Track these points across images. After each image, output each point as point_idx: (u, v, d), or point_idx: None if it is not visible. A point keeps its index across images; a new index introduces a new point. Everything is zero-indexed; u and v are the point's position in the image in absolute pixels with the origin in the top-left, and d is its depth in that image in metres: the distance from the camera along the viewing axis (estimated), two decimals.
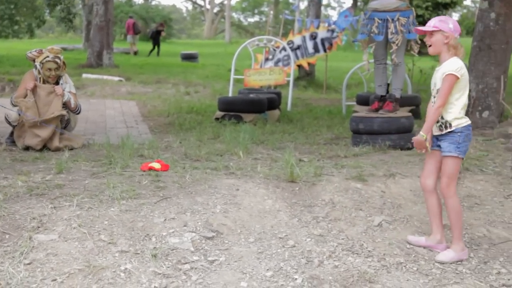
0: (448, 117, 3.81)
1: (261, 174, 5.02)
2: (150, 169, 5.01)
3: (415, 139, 3.92)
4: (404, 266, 3.71)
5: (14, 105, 6.28)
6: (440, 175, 3.91)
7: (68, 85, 6.48)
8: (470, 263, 3.83)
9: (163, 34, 28.47)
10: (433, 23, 3.84)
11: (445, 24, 3.80)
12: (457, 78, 3.75)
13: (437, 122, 3.85)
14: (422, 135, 3.84)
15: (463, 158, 3.90)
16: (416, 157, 5.97)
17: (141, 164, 5.17)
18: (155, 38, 27.09)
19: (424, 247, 4.00)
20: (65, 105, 6.34)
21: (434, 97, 3.87)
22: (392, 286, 3.46)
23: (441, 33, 3.80)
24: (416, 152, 6.12)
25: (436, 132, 3.88)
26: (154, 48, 26.95)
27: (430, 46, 3.86)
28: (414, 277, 3.57)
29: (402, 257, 3.83)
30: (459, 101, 3.81)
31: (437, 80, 3.86)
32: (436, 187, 3.99)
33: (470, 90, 7.80)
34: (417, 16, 7.57)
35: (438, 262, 3.81)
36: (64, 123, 6.36)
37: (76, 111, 6.55)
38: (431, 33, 3.83)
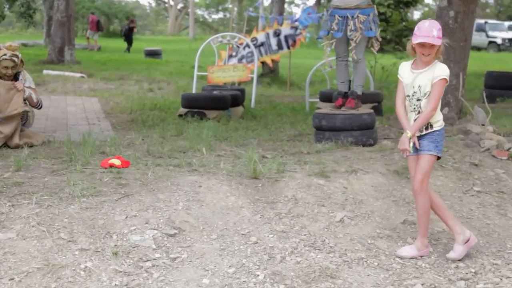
0: (431, 119, 3.89)
1: (224, 171, 5.01)
2: (111, 165, 4.95)
3: (401, 140, 3.91)
4: (365, 261, 3.76)
5: None
6: (416, 172, 3.94)
7: (28, 81, 6.36)
8: (429, 258, 3.89)
9: (135, 30, 28.46)
10: (435, 33, 3.77)
11: (431, 32, 3.77)
12: (447, 82, 3.85)
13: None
14: (407, 133, 3.85)
15: (439, 157, 3.96)
16: (377, 153, 6.04)
17: (101, 161, 5.11)
18: (128, 35, 27.14)
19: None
20: (27, 101, 6.23)
21: (419, 100, 3.87)
22: (353, 281, 3.49)
23: (436, 47, 3.81)
24: (378, 148, 6.21)
25: (417, 133, 3.90)
26: (130, 44, 26.98)
27: (429, 55, 3.82)
28: (375, 272, 3.61)
29: (363, 252, 3.87)
30: (439, 103, 3.89)
31: (422, 82, 3.85)
32: (428, 188, 3.98)
33: None
34: (379, 14, 7.65)
35: (399, 257, 3.86)
36: (23, 120, 6.24)
37: (38, 106, 6.45)
38: (433, 45, 3.78)
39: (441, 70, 3.83)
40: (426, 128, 3.89)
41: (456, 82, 7.87)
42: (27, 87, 6.29)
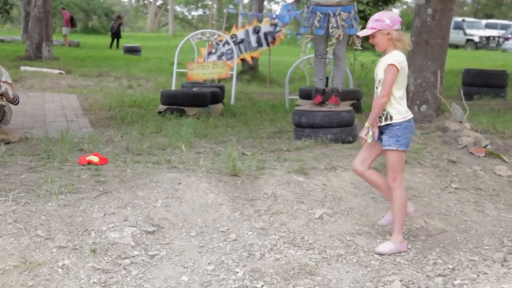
0: (389, 109, 3.91)
1: (204, 168, 5.00)
2: (88, 162, 4.91)
3: (362, 132, 3.99)
4: (344, 258, 3.77)
5: None
6: (386, 170, 4.00)
7: (4, 76, 6.29)
8: (408, 254, 3.92)
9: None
10: (370, 24, 3.91)
11: (381, 22, 3.88)
12: (398, 69, 3.83)
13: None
14: (366, 126, 3.94)
15: (405, 151, 3.97)
16: (356, 151, 6.04)
17: (79, 158, 5.07)
18: (117, 32, 27.31)
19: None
20: (3, 96, 6.16)
21: (377, 87, 3.96)
22: (332, 278, 3.51)
23: (380, 32, 3.87)
24: (357, 145, 6.24)
25: (377, 122, 3.97)
26: (118, 41, 27.15)
27: (376, 44, 3.94)
28: (353, 269, 3.63)
29: (342, 249, 3.89)
30: (397, 93, 3.90)
31: (378, 71, 3.95)
32: (367, 168, 4.10)
33: (408, 85, 7.99)
34: (359, 11, 7.66)
35: (377, 254, 3.88)
36: (0, 116, 6.17)
37: (15, 101, 6.38)
38: (372, 34, 3.91)
39: (391, 57, 3.87)
40: (386, 119, 3.92)
41: (434, 79, 7.93)
42: (3, 82, 6.21)
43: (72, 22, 26.93)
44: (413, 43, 8.00)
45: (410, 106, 7.87)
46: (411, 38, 8.10)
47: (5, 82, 6.27)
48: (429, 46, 7.89)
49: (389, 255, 3.88)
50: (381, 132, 3.99)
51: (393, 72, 3.83)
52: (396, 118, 3.90)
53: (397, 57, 3.86)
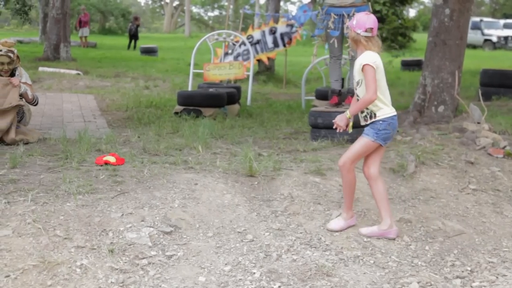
0: (372, 107, 4.02)
1: (220, 168, 5.01)
2: (105, 163, 4.94)
3: (339, 116, 4.10)
4: (361, 259, 3.76)
5: None
6: (348, 149, 4.16)
7: (24, 77, 6.36)
8: (425, 256, 3.90)
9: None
10: (354, 23, 4.09)
11: (352, 22, 4.10)
12: (374, 68, 3.94)
13: (362, 112, 4.07)
14: (347, 114, 4.06)
15: (381, 145, 4.07)
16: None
17: (96, 158, 5.10)
18: (135, 33, 27.64)
19: (378, 237, 4.09)
20: (22, 97, 6.23)
21: (356, 89, 4.11)
22: (349, 279, 3.50)
23: (351, 30, 4.09)
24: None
25: (362, 123, 4.12)
26: (135, 42, 27.45)
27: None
28: (371, 270, 3.62)
29: (359, 250, 3.87)
30: (378, 91, 3.99)
31: (355, 73, 4.09)
32: (379, 173, 4.16)
33: (426, 85, 7.96)
34: (375, 11, 7.63)
35: (330, 231, 4.08)
36: (19, 117, 6.23)
37: (34, 102, 6.45)
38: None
39: (362, 59, 4.00)
40: (370, 117, 4.05)
41: (451, 80, 7.88)
42: (23, 83, 6.28)
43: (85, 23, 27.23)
44: (430, 44, 7.98)
45: (427, 107, 7.87)
46: (429, 38, 8.05)
47: (25, 83, 6.33)
48: (447, 46, 7.83)
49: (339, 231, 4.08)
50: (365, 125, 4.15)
51: (371, 70, 3.93)
52: (379, 115, 4.03)
53: (370, 57, 3.98)
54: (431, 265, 3.79)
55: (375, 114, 4.02)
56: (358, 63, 4.02)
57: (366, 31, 4.02)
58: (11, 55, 6.17)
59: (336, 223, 4.11)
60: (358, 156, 4.10)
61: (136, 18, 28.84)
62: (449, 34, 7.82)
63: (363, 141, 4.05)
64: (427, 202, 4.89)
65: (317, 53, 7.59)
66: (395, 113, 4.10)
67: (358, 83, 4.06)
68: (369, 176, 4.15)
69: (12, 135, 5.96)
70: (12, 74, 6.27)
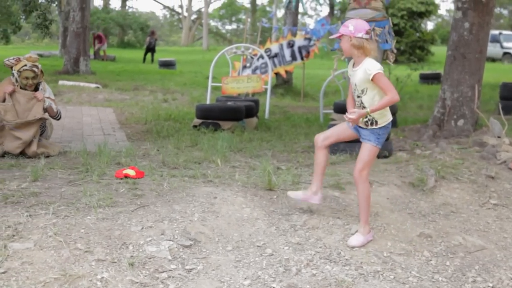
0: (376, 115, 4.04)
1: (239, 182, 5.02)
2: (125, 176, 4.98)
3: (359, 111, 4.03)
4: (381, 274, 3.73)
5: None
6: (356, 161, 4.15)
7: (48, 92, 6.45)
8: (446, 271, 3.86)
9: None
10: (352, 28, 4.06)
11: (346, 28, 4.06)
12: (383, 73, 4.00)
13: (365, 117, 4.06)
14: (367, 112, 3.99)
15: (380, 149, 4.15)
16: (392, 165, 6.02)
17: (116, 172, 5.13)
18: (154, 46, 28.05)
19: (302, 200, 4.39)
20: (46, 111, 6.32)
21: (359, 96, 4.08)
22: None
23: (345, 38, 4.04)
24: (393, 160, 6.19)
25: (362, 125, 4.12)
26: (153, 55, 27.78)
27: (343, 50, 4.12)
28: (391, 286, 3.59)
29: (379, 265, 3.85)
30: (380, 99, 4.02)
31: (357, 81, 4.06)
32: (326, 147, 4.31)
33: (445, 99, 7.92)
34: (393, 25, 7.62)
35: (351, 247, 4.03)
36: (41, 130, 6.31)
37: (57, 116, 6.54)
38: (340, 38, 4.10)
39: (371, 67, 3.98)
40: (372, 124, 4.07)
41: (471, 93, 7.84)
42: (47, 98, 6.37)
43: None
44: (450, 57, 7.96)
45: (446, 121, 7.82)
46: (448, 52, 8.03)
47: (48, 97, 6.42)
48: (466, 60, 7.81)
49: (360, 247, 4.03)
50: (360, 127, 4.15)
51: (383, 76, 3.97)
52: (380, 123, 4.07)
53: (377, 65, 3.99)
54: (452, 280, 3.76)
55: (376, 122, 4.07)
56: (365, 73, 3.98)
57: (367, 33, 4.05)
58: (36, 69, 6.27)
59: (357, 240, 4.08)
60: (369, 164, 4.12)
61: (153, 32, 29.18)
62: (469, 48, 7.80)
63: (368, 148, 4.09)
64: (448, 217, 4.85)
65: (337, 67, 7.56)
66: (391, 118, 4.17)
67: (363, 91, 4.05)
68: (316, 142, 4.31)
69: (34, 148, 6.03)
70: (36, 88, 6.36)
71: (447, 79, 7.99)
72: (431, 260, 4.03)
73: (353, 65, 4.15)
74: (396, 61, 7.36)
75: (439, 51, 30.05)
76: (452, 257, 4.12)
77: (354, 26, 4.04)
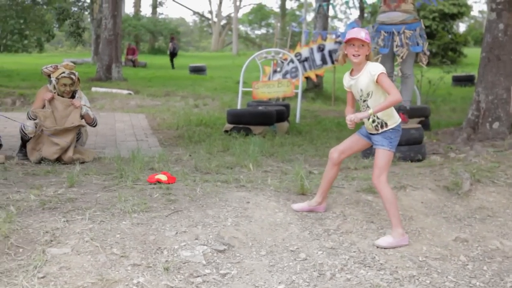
0: (383, 116, 4.07)
1: (272, 186, 5.02)
2: (157, 181, 5.02)
3: (363, 114, 4.05)
4: (417, 279, 3.69)
5: (31, 120, 6.33)
6: (373, 167, 4.16)
7: (83, 99, 6.56)
8: (483, 276, 3.80)
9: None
10: (364, 35, 4.03)
11: (368, 36, 4.08)
12: (386, 74, 4.02)
13: (373, 122, 4.10)
14: (371, 113, 4.01)
15: (394, 152, 4.16)
16: (426, 169, 5.96)
17: (148, 177, 5.18)
18: (176, 52, 28.51)
19: (308, 211, 4.45)
20: (83, 118, 6.42)
21: (365, 101, 4.13)
22: None
23: (366, 45, 4.06)
24: (426, 164, 6.13)
25: (372, 131, 4.16)
26: (173, 60, 28.16)
27: (359, 55, 4.05)
28: None
29: (415, 270, 3.81)
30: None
31: (362, 85, 4.10)
32: (340, 162, 4.41)
33: (479, 101, 7.81)
34: (425, 27, 7.54)
35: (378, 247, 4.00)
36: (77, 136, 6.41)
37: (93, 123, 6.64)
38: (363, 43, 4.04)
39: (375, 68, 4.03)
40: (382, 127, 4.09)
41: (506, 96, 7.72)
42: (83, 105, 6.49)
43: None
44: (484, 59, 7.86)
45: (481, 123, 7.72)
46: (482, 54, 7.93)
47: (84, 105, 6.52)
48: (501, 62, 7.70)
49: (390, 248, 3.99)
50: (371, 134, 4.21)
51: (386, 77, 4.01)
52: (390, 124, 4.10)
53: (380, 66, 4.04)
54: (490, 285, 3.69)
55: (386, 124, 4.09)
56: (370, 74, 4.02)
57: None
58: (73, 77, 6.39)
59: (385, 240, 4.07)
60: (385, 168, 4.11)
61: (174, 38, 29.60)
62: (503, 49, 7.69)
63: (382, 153, 4.10)
64: (484, 221, 4.78)
65: None
66: (400, 120, 4.19)
67: (368, 95, 4.10)
68: (332, 158, 4.40)
69: (70, 153, 6.14)
70: (73, 96, 6.47)
71: (481, 81, 7.88)
72: (467, 264, 3.97)
73: (351, 74, 4.21)
74: (428, 64, 7.27)
75: (472, 53, 29.66)
76: (489, 261, 4.06)
77: (366, 34, 4.06)
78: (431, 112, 10.01)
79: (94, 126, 6.77)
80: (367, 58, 4.09)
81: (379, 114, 4.07)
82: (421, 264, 3.90)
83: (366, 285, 3.53)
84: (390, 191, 4.14)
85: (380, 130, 4.11)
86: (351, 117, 4.09)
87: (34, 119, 6.29)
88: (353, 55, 4.05)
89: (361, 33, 4.03)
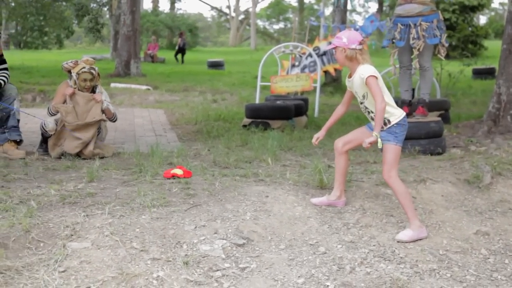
0: (385, 114, 4.09)
1: (290, 180, 5.02)
2: (173, 176, 5.04)
3: (370, 139, 4.05)
4: (438, 272, 3.67)
5: (51, 114, 6.39)
6: (382, 163, 4.22)
7: (104, 95, 6.60)
8: (505, 270, 3.76)
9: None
10: (345, 40, 4.17)
11: (339, 40, 4.20)
12: (377, 78, 4.06)
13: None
14: (375, 135, 4.03)
15: (401, 146, 4.17)
16: (446, 162, 5.91)
17: (164, 172, 5.20)
18: (184, 48, 28.43)
19: (327, 205, 4.46)
20: (104, 113, 6.47)
21: (362, 102, 4.24)
22: None
23: (339, 49, 4.19)
24: (447, 157, 6.08)
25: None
26: (183, 56, 28.09)
27: (339, 60, 4.26)
28: (448, 284, 3.52)
29: (435, 263, 3.78)
30: (385, 99, 4.07)
31: (357, 88, 4.21)
32: (346, 152, 4.45)
33: (501, 94, 7.73)
34: (444, 19, 7.44)
35: (399, 242, 4.00)
36: (97, 132, 6.45)
37: (113, 118, 6.68)
38: (334, 49, 4.25)
39: (364, 70, 4.10)
40: (385, 124, 4.11)
41: None
42: (104, 100, 6.53)
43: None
44: (505, 51, 7.75)
45: (502, 116, 7.63)
46: (503, 46, 7.83)
47: (105, 100, 6.56)
48: None
49: (410, 241, 4.00)
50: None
51: (374, 80, 4.05)
52: (393, 120, 4.12)
53: (370, 69, 4.09)
54: None
55: (389, 121, 4.12)
56: (360, 78, 4.11)
57: (360, 43, 4.15)
58: (94, 72, 6.43)
59: (406, 234, 4.06)
60: (395, 164, 4.14)
61: (182, 34, 29.72)
62: None
63: (390, 148, 4.11)
64: (505, 214, 4.73)
65: (394, 62, 7.54)
66: (404, 114, 4.20)
67: (364, 96, 4.18)
68: (337, 148, 4.47)
69: (90, 147, 6.18)
70: (93, 91, 6.52)
71: (502, 74, 7.78)
72: (489, 258, 3.94)
73: (349, 76, 4.30)
74: (448, 57, 7.22)
75: (493, 45, 29.31)
76: (511, 255, 4.01)
77: (348, 38, 4.16)
78: (451, 105, 9.92)
79: (114, 121, 6.80)
80: (350, 59, 4.17)
81: None
82: (441, 258, 3.87)
83: (386, 279, 3.51)
84: (402, 184, 4.15)
85: (385, 128, 4.12)
86: (365, 145, 4.10)
87: (54, 114, 6.34)
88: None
89: (342, 40, 4.18)
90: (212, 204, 4.31)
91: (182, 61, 27.67)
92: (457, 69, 13.61)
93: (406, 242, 4.00)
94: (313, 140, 4.57)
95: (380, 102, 4.01)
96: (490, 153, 6.19)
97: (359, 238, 4.07)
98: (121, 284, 3.17)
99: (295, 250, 3.82)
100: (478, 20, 41.40)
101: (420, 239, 4.06)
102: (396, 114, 4.13)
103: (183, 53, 28.17)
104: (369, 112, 4.22)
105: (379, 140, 4.04)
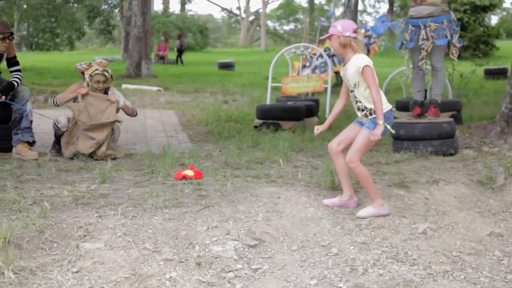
0: (369, 105, 4.27)
1: (302, 181, 5.01)
2: (184, 177, 5.05)
3: (378, 130, 4.17)
4: (451, 274, 3.65)
5: (56, 105, 6.47)
6: (352, 146, 4.35)
7: (117, 95, 6.64)
8: None
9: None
10: (340, 28, 4.28)
11: (334, 28, 4.31)
12: (372, 68, 4.20)
13: (362, 111, 4.31)
14: (380, 123, 4.16)
15: (379, 139, 4.27)
16: (459, 163, 5.88)
17: (175, 173, 5.21)
18: (183, 49, 28.68)
19: (339, 206, 4.50)
20: (124, 110, 6.53)
21: (352, 91, 4.36)
22: None
23: (333, 37, 4.30)
24: (459, 158, 6.05)
25: (362, 119, 4.37)
26: (181, 57, 28.25)
27: (333, 47, 4.37)
28: (461, 286, 3.50)
29: (449, 265, 3.76)
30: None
31: (349, 76, 4.31)
32: (341, 151, 4.50)
33: None
34: (456, 19, 7.40)
35: (359, 218, 4.28)
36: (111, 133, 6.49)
37: (133, 113, 6.79)
38: (329, 38, 4.36)
39: (358, 61, 4.22)
40: (370, 114, 4.28)
41: None
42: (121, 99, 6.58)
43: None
44: None
45: None
46: None
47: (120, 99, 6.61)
48: None
49: (369, 217, 4.27)
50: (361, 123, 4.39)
51: (371, 70, 4.18)
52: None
53: (366, 59, 4.24)
54: None
55: (374, 111, 4.22)
56: (356, 66, 4.21)
57: (354, 31, 4.27)
58: (107, 74, 6.47)
59: (366, 211, 4.33)
60: (363, 150, 4.32)
61: (181, 35, 29.77)
62: None
63: (365, 134, 4.26)
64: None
65: (407, 62, 7.54)
66: (390, 107, 4.34)
67: (355, 85, 4.29)
68: (331, 150, 4.52)
69: (103, 149, 6.21)
70: (105, 93, 6.55)
71: None
72: (503, 259, 3.91)
73: (344, 64, 4.39)
74: (459, 57, 7.16)
75: (505, 45, 29.16)
76: None
77: (342, 26, 4.28)
78: (463, 106, 9.87)
79: (135, 116, 6.91)
80: (344, 46, 4.26)
81: (365, 104, 4.29)
82: (455, 259, 3.86)
83: (399, 280, 3.50)
84: (364, 168, 4.36)
85: (369, 117, 4.28)
86: (374, 138, 4.20)
87: (58, 105, 6.43)
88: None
89: (337, 28, 4.28)
90: (224, 205, 4.31)
91: (181, 62, 27.64)
92: (469, 69, 13.53)
93: (365, 218, 4.25)
94: (315, 130, 4.65)
95: (375, 91, 4.15)
96: (503, 154, 6.15)
97: (372, 239, 4.06)
98: (134, 285, 3.18)
99: (307, 251, 3.82)
100: (490, 20, 41.19)
101: (381, 215, 4.30)
102: (383, 106, 4.24)
103: (180, 54, 28.18)
104: (357, 102, 4.35)
105: (387, 126, 4.18)
